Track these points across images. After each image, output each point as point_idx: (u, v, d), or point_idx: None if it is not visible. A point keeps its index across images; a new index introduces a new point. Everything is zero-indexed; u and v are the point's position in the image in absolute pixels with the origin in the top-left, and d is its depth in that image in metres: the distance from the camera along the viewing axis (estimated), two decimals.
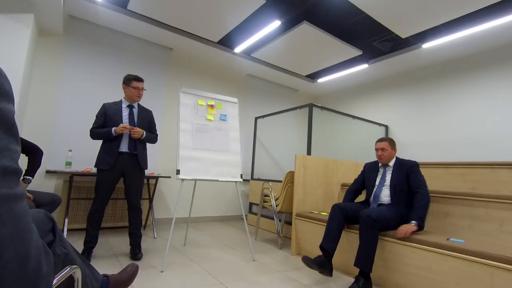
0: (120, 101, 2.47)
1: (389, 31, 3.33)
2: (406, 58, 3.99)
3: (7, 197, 0.46)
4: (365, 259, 1.92)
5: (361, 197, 2.54)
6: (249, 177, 4.59)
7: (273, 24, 3.27)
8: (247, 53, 4.19)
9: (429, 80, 4.16)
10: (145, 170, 2.51)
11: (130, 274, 1.42)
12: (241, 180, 2.66)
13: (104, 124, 2.37)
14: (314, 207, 3.00)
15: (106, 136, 2.32)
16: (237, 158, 2.71)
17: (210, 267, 2.27)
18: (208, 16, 3.20)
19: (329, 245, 2.05)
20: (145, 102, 2.86)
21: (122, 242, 2.82)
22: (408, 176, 2.23)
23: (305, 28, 3.33)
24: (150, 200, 3.41)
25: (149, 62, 3.98)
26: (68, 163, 3.06)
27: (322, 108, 3.80)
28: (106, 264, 2.17)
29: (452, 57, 3.87)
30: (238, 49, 4.00)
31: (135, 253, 2.35)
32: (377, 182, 2.37)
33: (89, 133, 2.37)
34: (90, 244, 2.26)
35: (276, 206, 3.08)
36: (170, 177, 3.64)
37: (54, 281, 0.73)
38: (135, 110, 2.49)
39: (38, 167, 2.32)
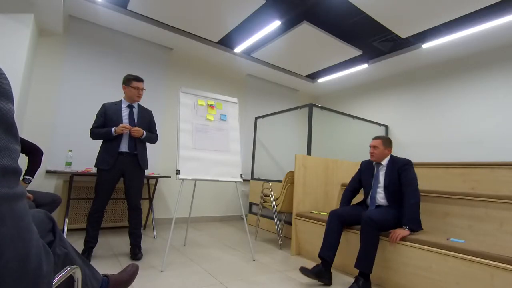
0: (120, 101, 2.47)
1: (389, 31, 3.33)
2: (406, 58, 3.99)
3: (7, 196, 0.46)
4: (365, 261, 1.93)
5: (360, 197, 2.53)
6: (249, 177, 4.59)
7: (273, 24, 3.27)
8: (247, 53, 4.19)
9: (429, 80, 4.16)
10: (145, 170, 2.51)
11: (130, 274, 1.42)
12: (241, 180, 2.66)
13: (104, 124, 2.37)
14: (314, 207, 3.00)
15: (106, 136, 2.32)
16: (237, 158, 2.71)
17: (210, 267, 2.27)
18: (208, 16, 3.20)
19: (327, 254, 2.06)
20: (145, 102, 2.86)
21: (122, 242, 2.82)
22: (400, 175, 2.20)
23: (305, 28, 3.33)
24: (150, 200, 3.40)
25: (149, 62, 3.98)
26: (68, 163, 3.06)
27: (322, 108, 3.80)
28: (106, 264, 2.17)
29: (452, 57, 3.87)
30: (238, 49, 4.00)
31: (135, 253, 2.35)
32: (372, 182, 2.35)
33: (89, 133, 2.37)
34: (90, 244, 2.26)
35: (276, 206, 3.08)
36: (170, 177, 3.64)
37: (54, 281, 0.73)
38: (135, 110, 2.49)
39: (38, 167, 2.32)
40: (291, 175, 3.01)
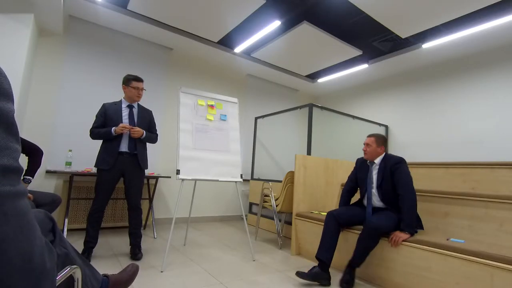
0: (120, 101, 2.47)
1: (389, 31, 3.33)
2: (406, 58, 3.99)
3: (10, 194, 0.46)
4: (360, 260, 2.00)
5: (358, 195, 2.52)
6: (249, 177, 4.59)
7: (273, 24, 3.27)
8: (247, 53, 4.19)
9: (429, 80, 4.16)
10: (145, 170, 2.51)
11: (130, 274, 1.42)
12: (241, 180, 2.66)
13: (104, 124, 2.37)
14: (314, 207, 3.00)
15: (106, 136, 2.32)
16: (237, 158, 2.71)
17: (210, 267, 2.27)
18: (208, 16, 3.20)
19: (324, 255, 2.05)
20: (145, 102, 2.86)
21: (122, 242, 2.82)
22: (392, 174, 2.15)
23: (305, 28, 3.33)
24: (150, 200, 3.40)
25: (149, 62, 3.98)
26: (68, 163, 3.06)
27: (322, 108, 3.80)
28: (106, 264, 2.17)
29: (452, 57, 3.87)
30: (238, 49, 4.00)
31: (135, 253, 2.35)
32: (367, 182, 2.30)
33: (89, 133, 2.37)
34: (90, 244, 2.26)
35: (276, 206, 3.08)
36: (170, 177, 3.64)
37: None
38: (135, 110, 2.49)
39: (38, 167, 2.32)
40: (291, 175, 3.01)
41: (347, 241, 2.29)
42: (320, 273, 2.00)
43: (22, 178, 2.22)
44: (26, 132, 3.05)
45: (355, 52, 3.86)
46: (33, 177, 2.27)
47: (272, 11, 3.11)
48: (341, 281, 2.02)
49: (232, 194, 4.61)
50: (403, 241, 1.93)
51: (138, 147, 2.41)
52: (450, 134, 3.80)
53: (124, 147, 2.35)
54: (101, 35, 3.62)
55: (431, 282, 1.78)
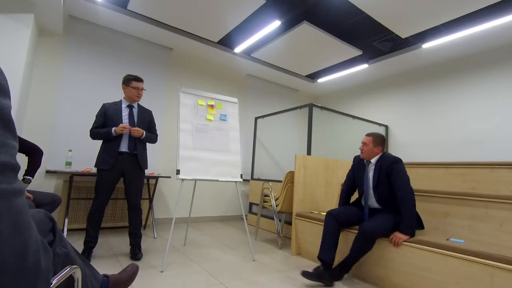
0: (120, 101, 2.47)
1: (389, 31, 3.33)
2: (406, 58, 3.99)
3: (6, 192, 0.46)
4: (352, 260, 2.03)
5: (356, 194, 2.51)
6: (249, 177, 4.59)
7: (273, 24, 3.27)
8: (247, 53, 4.19)
9: (429, 80, 4.16)
10: (145, 170, 2.51)
11: (130, 274, 1.42)
12: (241, 180, 2.66)
13: (104, 124, 2.37)
14: (314, 207, 3.00)
15: (106, 136, 2.32)
16: (237, 158, 2.71)
17: (210, 267, 2.27)
18: (208, 16, 3.20)
19: (326, 255, 2.05)
20: (145, 102, 2.86)
21: (122, 242, 2.82)
22: (389, 175, 2.11)
23: (305, 28, 3.33)
24: (150, 200, 3.40)
25: (149, 62, 3.98)
26: (68, 163, 3.06)
27: (322, 108, 3.80)
28: (106, 264, 2.17)
29: (452, 57, 3.87)
30: (238, 49, 4.00)
31: (135, 253, 2.35)
32: (363, 181, 2.28)
33: (89, 133, 2.37)
34: (90, 244, 2.26)
35: (276, 206, 3.08)
36: (170, 177, 3.64)
37: (54, 281, 0.73)
38: (135, 110, 2.49)
39: (38, 167, 2.32)
40: (291, 175, 3.01)
41: (347, 242, 2.29)
42: (323, 273, 2.00)
43: (22, 178, 2.22)
44: (26, 132, 3.05)
45: (355, 52, 3.86)
46: (33, 177, 2.27)
47: (272, 11, 3.11)
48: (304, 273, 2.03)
49: (232, 194, 4.61)
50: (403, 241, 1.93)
51: (138, 147, 2.41)
52: (450, 134, 3.80)
53: (124, 147, 2.35)
54: (101, 35, 3.62)
55: (431, 282, 1.78)
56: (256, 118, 4.74)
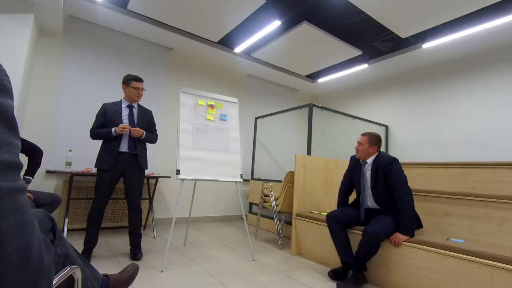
0: (120, 101, 2.47)
1: (389, 31, 3.33)
2: (406, 58, 3.99)
3: (11, 190, 0.46)
4: (360, 264, 2.02)
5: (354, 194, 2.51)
6: (249, 177, 4.59)
7: (273, 24, 3.27)
8: (247, 53, 4.19)
9: (429, 80, 4.16)
10: (145, 170, 2.51)
11: (130, 274, 1.42)
12: (241, 180, 2.66)
13: (104, 124, 2.37)
14: (314, 207, 3.00)
15: (106, 136, 2.32)
16: (237, 158, 2.71)
17: (210, 267, 2.27)
18: (208, 16, 3.20)
19: (346, 257, 2.07)
20: (145, 102, 2.86)
21: (122, 242, 2.82)
22: (386, 175, 2.09)
23: (305, 28, 3.33)
24: (150, 200, 3.40)
25: (149, 62, 3.98)
26: (68, 163, 3.06)
27: (322, 108, 3.80)
28: (106, 264, 2.17)
29: (452, 57, 3.87)
30: (238, 49, 4.00)
31: (135, 253, 2.35)
32: (361, 182, 2.26)
33: (89, 133, 2.37)
34: (90, 244, 2.26)
35: (276, 206, 3.08)
36: (170, 177, 3.64)
37: (54, 281, 0.73)
38: (135, 110, 2.49)
39: (38, 167, 2.32)
40: (291, 175, 3.01)
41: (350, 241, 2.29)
42: (357, 275, 2.01)
43: (22, 178, 2.23)
44: (26, 132, 3.05)
45: (355, 52, 3.86)
46: (33, 177, 2.27)
47: (272, 11, 3.11)
48: (333, 271, 2.08)
49: (232, 194, 4.61)
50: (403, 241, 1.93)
51: (138, 147, 2.41)
52: (450, 134, 3.80)
53: (124, 147, 2.35)
54: (101, 35, 3.62)
55: (431, 282, 1.78)
56: (256, 118, 4.74)
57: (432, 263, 1.78)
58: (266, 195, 3.29)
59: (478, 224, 2.11)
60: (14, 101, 0.52)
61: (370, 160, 2.23)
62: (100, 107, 2.43)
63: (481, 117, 3.54)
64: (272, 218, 3.66)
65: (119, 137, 2.34)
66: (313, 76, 5.01)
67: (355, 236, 2.18)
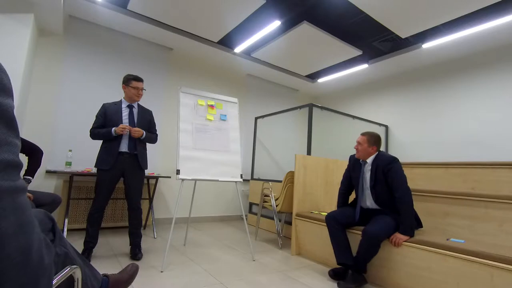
0: (120, 101, 2.47)
1: (389, 31, 3.33)
2: (406, 58, 3.99)
3: (11, 189, 0.47)
4: (362, 265, 2.00)
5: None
6: (249, 177, 4.59)
7: (273, 24, 3.27)
8: (247, 53, 4.19)
9: (429, 80, 4.16)
10: (145, 170, 2.51)
11: (130, 274, 1.42)
12: (241, 180, 2.66)
13: (104, 124, 2.37)
14: (314, 207, 3.00)
15: (106, 136, 2.32)
16: (237, 158, 2.71)
17: (210, 267, 2.27)
18: (208, 16, 3.20)
19: (344, 259, 2.07)
20: (145, 102, 2.86)
21: (122, 242, 2.82)
22: (385, 175, 2.09)
23: (305, 28, 3.33)
24: (150, 200, 3.40)
25: (149, 62, 3.98)
26: (68, 163, 3.06)
27: (322, 108, 3.80)
28: (106, 264, 2.17)
29: (452, 57, 3.87)
30: (238, 49, 4.00)
31: (135, 253, 2.35)
32: (360, 182, 2.26)
33: (89, 133, 2.37)
34: (90, 244, 2.26)
35: (276, 206, 3.08)
36: (170, 177, 3.64)
37: (54, 281, 0.73)
38: (135, 110, 2.49)
39: (38, 167, 2.32)
40: (291, 175, 3.01)
41: (350, 242, 2.29)
42: (357, 276, 2.00)
43: (22, 177, 2.23)
44: (26, 132, 3.05)
45: (355, 52, 3.86)
46: (33, 177, 2.27)
47: (272, 11, 3.11)
48: (333, 271, 2.09)
49: (232, 194, 4.61)
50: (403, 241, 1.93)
51: (138, 147, 2.41)
52: (450, 134, 3.80)
53: (124, 147, 2.35)
54: (101, 35, 3.62)
55: (431, 282, 1.78)
56: (256, 118, 4.74)
57: (432, 263, 1.78)
58: (266, 195, 3.29)
59: (478, 224, 2.11)
60: (14, 101, 0.52)
61: (370, 160, 2.22)
62: (100, 107, 2.43)
63: (481, 117, 3.54)
64: (272, 218, 3.66)
65: (119, 137, 2.34)
66: (313, 76, 5.01)
67: (355, 236, 2.18)
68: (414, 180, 3.12)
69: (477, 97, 3.62)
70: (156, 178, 3.50)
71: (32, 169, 2.27)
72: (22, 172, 2.25)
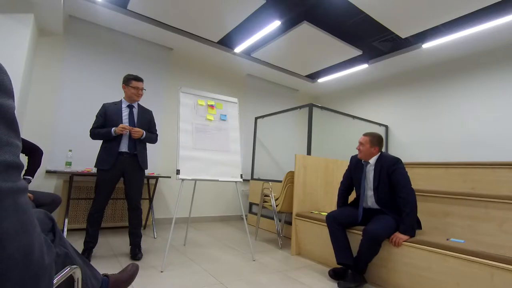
0: (120, 101, 2.47)
1: (389, 31, 3.33)
2: (406, 58, 3.99)
3: (12, 190, 0.47)
4: (363, 265, 2.00)
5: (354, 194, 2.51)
6: (249, 177, 4.59)
7: (273, 24, 3.27)
8: (247, 53, 4.19)
9: (429, 80, 4.16)
10: (145, 170, 2.51)
11: (130, 274, 1.42)
12: (241, 180, 2.66)
13: (104, 124, 2.37)
14: (314, 207, 3.00)
15: (106, 136, 2.32)
16: (237, 158, 2.71)
17: (210, 267, 2.27)
18: (208, 16, 3.20)
19: (344, 259, 2.06)
20: (145, 102, 2.86)
21: (122, 242, 2.82)
22: (389, 176, 2.09)
23: (305, 28, 3.33)
24: (150, 200, 3.40)
25: (149, 62, 3.98)
26: (68, 163, 3.06)
27: (322, 108, 3.80)
28: (106, 264, 2.17)
29: (452, 57, 3.87)
30: (238, 49, 4.00)
31: (135, 253, 2.35)
32: (362, 182, 2.25)
33: (89, 133, 2.37)
34: (90, 244, 2.26)
35: (276, 206, 3.08)
36: (170, 177, 3.64)
37: (54, 281, 0.73)
38: (135, 110, 2.49)
39: (38, 167, 2.32)
40: (291, 175, 3.01)
41: (350, 242, 2.29)
42: (356, 275, 2.00)
43: (22, 177, 2.23)
44: (26, 131, 3.05)
45: (355, 52, 3.86)
46: (33, 177, 2.27)
47: (272, 11, 3.11)
48: (333, 271, 2.10)
49: (232, 194, 4.61)
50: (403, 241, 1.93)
51: (138, 147, 2.41)
52: (450, 134, 3.80)
53: (124, 147, 2.35)
54: (101, 35, 3.62)
55: (431, 282, 1.78)
56: (256, 118, 4.74)
57: (432, 263, 1.78)
58: (266, 195, 3.29)
59: (478, 224, 2.11)
60: (15, 101, 0.52)
61: (372, 161, 2.22)
62: (100, 107, 2.43)
63: (481, 117, 3.54)
64: (272, 218, 3.66)
65: (119, 137, 2.34)
66: (313, 76, 5.01)
67: (355, 236, 2.18)
68: (414, 180, 3.09)
69: (477, 97, 3.62)
70: (156, 178, 3.50)
71: (32, 169, 2.27)
72: (22, 172, 2.25)
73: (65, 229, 2.82)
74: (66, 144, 3.24)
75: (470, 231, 2.14)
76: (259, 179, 4.30)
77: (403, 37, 3.39)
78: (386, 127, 4.58)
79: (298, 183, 2.87)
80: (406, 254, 1.91)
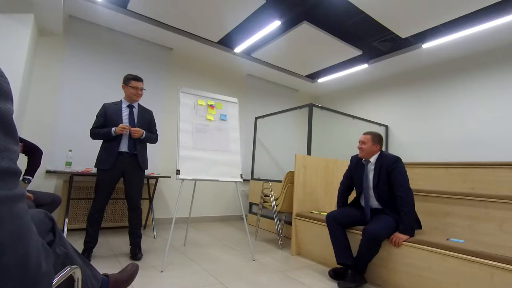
0: (120, 101, 2.47)
1: (389, 31, 3.33)
2: (406, 58, 3.99)
3: (8, 198, 0.46)
4: (364, 264, 2.00)
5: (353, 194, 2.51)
6: (249, 177, 4.59)
7: (273, 24, 3.27)
8: (247, 53, 4.19)
9: (429, 80, 4.16)
10: (145, 170, 2.51)
11: (130, 274, 1.42)
12: (241, 180, 2.66)
13: (104, 124, 2.37)
14: (314, 207, 3.00)
15: (106, 136, 2.32)
16: (237, 158, 2.71)
17: (210, 267, 2.27)
18: (208, 16, 3.20)
19: (344, 259, 2.06)
20: (145, 102, 2.85)
21: (122, 242, 2.82)
22: (389, 174, 2.10)
23: (305, 28, 3.33)
24: (150, 200, 3.40)
25: (149, 62, 3.98)
26: (68, 163, 3.06)
27: (322, 108, 3.80)
28: (106, 264, 2.17)
29: (452, 57, 3.87)
30: (238, 49, 4.00)
31: (135, 253, 2.35)
32: (363, 181, 2.26)
33: (89, 133, 2.37)
34: (90, 244, 2.26)
35: (276, 206, 3.08)
36: (170, 177, 3.64)
37: (54, 281, 0.73)
38: (135, 110, 2.49)
39: (38, 167, 2.32)
40: (291, 175, 3.01)
41: (351, 241, 2.28)
42: (356, 275, 2.00)
43: (21, 178, 2.23)
44: (26, 132, 3.05)
45: (355, 52, 3.86)
46: (32, 177, 2.28)
47: (272, 11, 3.11)
48: (333, 271, 2.09)
49: (232, 194, 4.61)
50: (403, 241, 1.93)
51: (138, 147, 2.41)
52: (450, 134, 3.80)
53: (124, 147, 2.35)
54: (101, 35, 3.62)
55: (431, 282, 1.78)
56: (256, 118, 4.74)
57: (432, 263, 1.78)
58: (266, 195, 3.29)
59: (478, 224, 2.11)
60: (14, 103, 0.51)
61: (373, 159, 2.23)
62: (100, 107, 2.43)
63: (481, 117, 3.54)
64: (272, 218, 3.66)
65: (119, 137, 2.34)
66: (313, 76, 5.01)
67: (355, 236, 2.18)
68: (414, 180, 3.11)
69: (477, 97, 3.62)
70: (156, 178, 3.50)
71: (32, 169, 2.27)
72: (22, 172, 2.25)
73: (65, 229, 2.82)
74: (66, 144, 3.24)
75: (470, 231, 2.14)
76: (259, 179, 4.30)
77: (403, 37, 3.39)
78: (386, 127, 4.57)
79: (298, 183, 2.87)
80: (406, 254, 1.91)
